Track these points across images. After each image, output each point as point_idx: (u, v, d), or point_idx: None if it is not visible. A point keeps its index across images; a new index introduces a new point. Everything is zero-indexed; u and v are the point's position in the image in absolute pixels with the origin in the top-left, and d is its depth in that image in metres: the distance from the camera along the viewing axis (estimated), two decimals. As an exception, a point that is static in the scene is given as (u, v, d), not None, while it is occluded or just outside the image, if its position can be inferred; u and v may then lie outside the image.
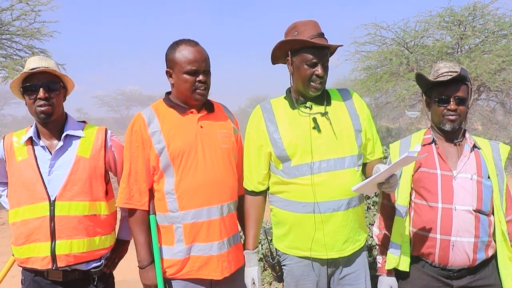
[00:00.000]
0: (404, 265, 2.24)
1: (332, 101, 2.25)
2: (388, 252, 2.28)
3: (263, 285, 4.52)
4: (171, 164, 2.17)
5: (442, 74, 2.22)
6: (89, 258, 2.25)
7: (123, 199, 2.22)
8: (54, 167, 2.21)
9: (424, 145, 2.28)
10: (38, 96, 2.17)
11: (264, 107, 2.30)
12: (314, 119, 2.16)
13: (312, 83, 2.14)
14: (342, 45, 2.21)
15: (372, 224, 3.82)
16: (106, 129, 2.42)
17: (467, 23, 12.27)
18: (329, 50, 2.18)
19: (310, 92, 2.17)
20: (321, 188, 2.11)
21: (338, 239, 2.16)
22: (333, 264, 2.23)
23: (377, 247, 2.44)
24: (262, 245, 4.17)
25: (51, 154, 2.23)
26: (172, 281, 2.23)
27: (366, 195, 3.85)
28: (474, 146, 2.25)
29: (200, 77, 2.18)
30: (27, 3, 10.91)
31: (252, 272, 2.28)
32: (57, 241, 2.16)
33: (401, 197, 2.26)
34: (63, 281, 2.23)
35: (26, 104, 2.24)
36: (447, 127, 2.22)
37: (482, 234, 2.13)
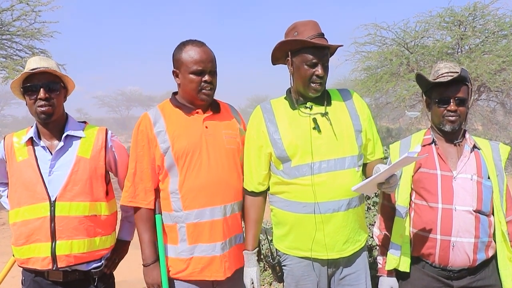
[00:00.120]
0: (404, 265, 2.24)
1: (332, 101, 2.25)
2: (388, 252, 2.28)
3: (263, 285, 4.53)
4: (175, 164, 2.18)
5: (442, 74, 2.22)
6: (90, 259, 2.25)
7: (128, 197, 2.24)
8: (54, 168, 2.21)
9: (424, 145, 2.28)
10: (39, 97, 2.17)
11: (264, 107, 2.30)
12: (314, 120, 2.17)
13: (312, 84, 2.14)
14: (342, 45, 2.21)
15: (373, 225, 3.82)
16: (106, 129, 2.42)
17: (467, 23, 12.28)
18: (329, 50, 2.19)
19: (310, 93, 2.17)
20: (321, 189, 2.11)
21: (338, 239, 2.16)
22: (334, 265, 2.23)
23: (378, 247, 2.44)
24: (262, 245, 4.17)
25: (51, 154, 2.23)
26: (175, 281, 2.23)
27: (366, 196, 3.85)
28: (474, 147, 2.25)
29: (206, 78, 2.20)
30: (27, 4, 10.91)
31: (251, 273, 2.28)
32: (57, 242, 2.16)
33: (401, 198, 2.26)
34: (64, 281, 2.23)
35: (26, 105, 2.25)
36: (447, 128, 2.22)
37: (482, 235, 2.13)
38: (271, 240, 2.40)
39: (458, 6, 12.63)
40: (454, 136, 2.27)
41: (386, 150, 3.16)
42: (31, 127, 2.31)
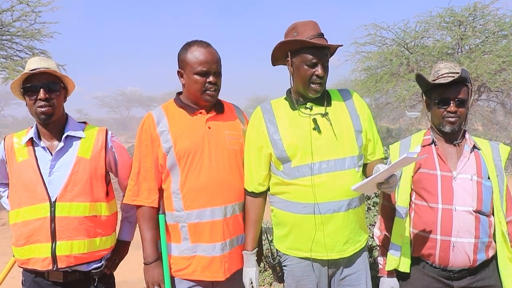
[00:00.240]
0: (405, 266, 2.24)
1: (332, 102, 2.25)
2: (388, 253, 2.28)
3: (264, 285, 4.52)
4: (177, 163, 2.19)
5: (442, 75, 2.22)
6: (90, 259, 2.25)
7: (132, 196, 2.26)
8: (54, 168, 2.21)
9: (424, 146, 2.28)
10: (39, 97, 2.17)
11: (264, 108, 2.30)
12: (315, 120, 2.16)
13: (312, 84, 2.14)
14: (342, 45, 2.21)
15: (373, 225, 3.83)
16: (106, 130, 2.42)
17: (468, 23, 12.27)
18: (329, 50, 2.19)
19: (309, 93, 2.17)
20: (321, 189, 2.11)
21: (338, 240, 2.16)
22: (334, 265, 2.23)
23: (378, 248, 2.44)
24: (263, 246, 4.17)
25: (51, 155, 2.23)
26: (176, 279, 2.24)
27: (367, 196, 3.85)
28: (474, 147, 2.25)
29: (211, 79, 2.21)
30: (27, 4, 10.91)
31: (250, 273, 2.28)
32: (57, 242, 2.16)
33: (401, 198, 2.26)
34: (64, 282, 2.23)
35: (26, 105, 2.25)
36: (447, 129, 2.22)
37: (482, 235, 2.13)
38: (272, 240, 2.40)
39: (458, 6, 12.64)
40: (454, 136, 2.26)
41: (386, 150, 3.16)
42: (31, 127, 2.31)
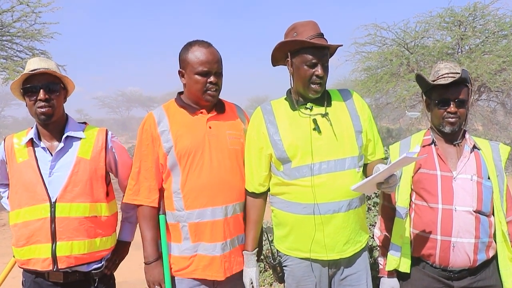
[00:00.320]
0: (405, 266, 2.24)
1: (332, 102, 2.25)
2: (388, 253, 2.28)
3: (264, 286, 4.52)
4: (178, 163, 2.19)
5: (442, 75, 2.22)
6: (90, 260, 2.25)
7: (132, 195, 2.26)
8: (54, 169, 2.21)
9: (423, 146, 2.28)
10: (39, 98, 2.17)
11: (264, 108, 2.30)
12: (315, 120, 2.16)
13: (312, 84, 2.14)
14: (341, 45, 2.21)
15: (373, 225, 3.83)
16: (106, 130, 2.42)
17: (468, 23, 12.27)
18: (328, 50, 2.18)
19: (309, 94, 2.17)
20: (321, 190, 2.11)
21: (338, 240, 2.16)
22: (334, 265, 2.22)
23: (378, 248, 2.44)
24: (263, 246, 4.17)
25: (51, 155, 2.23)
26: (176, 278, 2.24)
27: (367, 196, 3.85)
28: (474, 147, 2.25)
29: (212, 79, 2.21)
30: (27, 5, 10.91)
31: (251, 273, 2.29)
32: (57, 243, 2.15)
33: (401, 199, 2.26)
34: (64, 282, 2.23)
35: (26, 106, 2.25)
36: (447, 129, 2.22)
37: (482, 235, 2.13)
38: (272, 240, 2.40)
39: (458, 6, 12.63)
40: (454, 136, 2.26)
41: (386, 150, 3.17)
42: (31, 128, 2.31)
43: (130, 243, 2.52)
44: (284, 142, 2.16)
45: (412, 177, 2.26)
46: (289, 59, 2.18)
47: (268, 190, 2.32)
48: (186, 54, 2.23)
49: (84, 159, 2.26)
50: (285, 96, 2.32)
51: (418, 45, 13.04)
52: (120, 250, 2.46)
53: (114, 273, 2.47)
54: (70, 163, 2.23)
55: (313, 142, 2.13)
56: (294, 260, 2.25)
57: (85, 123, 2.45)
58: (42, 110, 2.18)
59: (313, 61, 2.11)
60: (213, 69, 2.21)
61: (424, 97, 2.36)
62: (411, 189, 2.27)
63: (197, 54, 2.20)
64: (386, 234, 2.36)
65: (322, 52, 2.13)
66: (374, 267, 2.49)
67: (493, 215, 2.19)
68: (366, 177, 2.05)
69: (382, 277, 2.34)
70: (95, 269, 2.28)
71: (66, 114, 2.37)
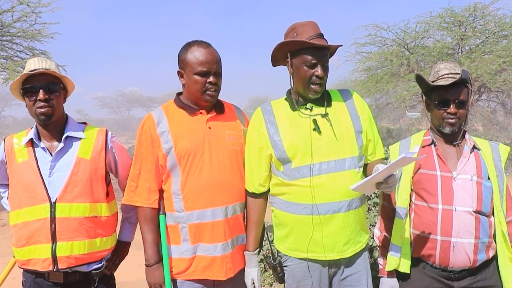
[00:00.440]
0: (405, 266, 2.24)
1: (332, 102, 2.25)
2: (388, 253, 2.28)
3: (264, 286, 4.52)
4: (178, 164, 2.19)
5: (442, 76, 2.21)
6: (90, 260, 2.25)
7: (131, 196, 2.26)
8: (54, 169, 2.21)
9: (423, 146, 2.28)
10: (38, 98, 2.17)
11: (264, 109, 2.30)
12: (315, 121, 2.16)
13: (312, 85, 2.14)
14: (341, 45, 2.21)
15: (373, 226, 3.82)
16: (106, 130, 2.42)
17: (468, 23, 12.28)
18: (328, 50, 2.18)
19: (309, 94, 2.17)
20: (321, 190, 2.11)
21: (338, 240, 2.16)
22: (334, 265, 2.22)
23: (378, 248, 2.44)
24: (263, 246, 4.17)
25: (51, 155, 2.23)
26: (177, 281, 2.24)
27: (367, 196, 3.85)
28: (474, 147, 2.25)
29: (211, 79, 2.20)
30: (27, 5, 10.91)
31: (252, 273, 2.29)
32: (58, 243, 2.15)
33: (401, 199, 2.26)
34: (64, 283, 2.23)
35: (26, 106, 2.25)
36: (447, 130, 2.21)
37: (482, 235, 2.13)
38: (272, 240, 2.40)
39: (458, 7, 12.64)
40: (453, 137, 2.26)
41: (386, 151, 3.17)
42: (31, 128, 2.31)
43: (130, 243, 2.52)
44: (284, 142, 2.16)
45: (412, 177, 2.26)
46: (289, 59, 2.18)
47: (269, 190, 2.32)
48: (185, 54, 2.22)
49: (84, 159, 2.26)
50: (285, 97, 2.32)
51: (418, 45, 13.04)
52: (120, 250, 2.46)
53: (114, 273, 2.47)
54: (70, 163, 2.23)
55: (313, 143, 2.13)
56: (294, 261, 2.25)
57: (85, 123, 2.44)
58: (42, 110, 2.18)
59: (313, 61, 2.11)
60: (213, 69, 2.20)
61: (424, 98, 2.36)
62: (411, 190, 2.27)
63: (196, 54, 2.19)
64: (386, 234, 2.36)
65: (322, 52, 2.13)
66: (374, 267, 2.49)
67: (493, 215, 2.19)
68: (366, 177, 2.05)
69: (381, 277, 2.34)
70: (95, 269, 2.28)
71: (66, 114, 2.37)
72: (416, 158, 2.00)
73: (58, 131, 2.28)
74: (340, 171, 2.13)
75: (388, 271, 2.30)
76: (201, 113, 2.28)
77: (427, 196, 2.20)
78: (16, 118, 53.48)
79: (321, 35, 2.14)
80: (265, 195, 2.33)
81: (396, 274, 2.30)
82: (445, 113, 2.20)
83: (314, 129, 2.15)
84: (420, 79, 2.28)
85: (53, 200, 2.16)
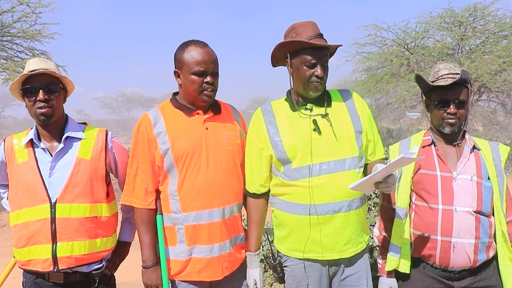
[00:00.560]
0: (404, 267, 2.24)
1: (332, 102, 2.25)
2: (388, 254, 2.28)
3: (264, 286, 4.52)
4: (175, 165, 2.17)
5: (442, 76, 2.21)
6: (90, 260, 2.25)
7: (129, 197, 2.24)
8: (54, 169, 2.21)
9: (423, 146, 2.28)
10: (38, 98, 2.17)
11: (264, 109, 2.30)
12: (315, 121, 2.16)
13: (311, 85, 2.14)
14: (341, 45, 2.20)
15: (373, 226, 3.82)
16: (106, 130, 2.42)
17: (468, 24, 12.27)
18: (328, 50, 2.18)
19: (310, 93, 2.16)
20: (321, 190, 2.11)
21: (338, 240, 2.16)
22: (335, 265, 2.22)
23: (378, 248, 2.44)
24: (263, 246, 4.17)
25: (51, 156, 2.23)
26: (173, 282, 2.23)
27: (367, 196, 3.85)
28: (474, 147, 2.25)
29: (208, 79, 2.18)
30: (28, 5, 10.92)
31: (254, 274, 2.29)
32: (58, 243, 2.15)
33: (400, 199, 2.26)
34: (64, 283, 2.23)
35: (26, 106, 2.24)
36: (447, 130, 2.21)
37: (482, 235, 2.13)
38: (272, 241, 2.40)
39: (458, 7, 12.62)
40: (453, 137, 2.26)
41: (386, 151, 3.17)
42: (31, 128, 2.31)
43: (130, 243, 2.52)
44: (284, 143, 2.16)
45: (412, 177, 2.26)
46: (288, 59, 2.18)
47: (269, 190, 2.32)
48: (182, 54, 2.20)
49: (84, 160, 2.26)
50: (285, 97, 2.32)
51: (418, 46, 13.03)
52: (121, 250, 2.46)
53: (115, 274, 2.47)
54: (70, 163, 2.23)
55: (313, 143, 2.13)
56: (294, 261, 2.25)
57: (85, 123, 2.44)
58: (42, 110, 2.18)
59: (313, 61, 2.11)
60: (210, 69, 2.18)
61: (424, 98, 2.36)
62: (411, 190, 2.27)
63: (193, 54, 2.17)
64: (385, 234, 2.36)
65: (322, 52, 2.13)
66: (374, 267, 2.49)
67: (493, 216, 2.19)
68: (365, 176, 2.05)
69: (380, 276, 2.34)
70: (95, 269, 2.28)
71: (66, 114, 2.37)
72: (415, 158, 2.00)
73: (58, 132, 2.28)
74: (341, 171, 2.13)
75: (387, 271, 2.30)
76: (198, 113, 2.26)
77: (427, 196, 2.19)
78: (16, 119, 53.49)
79: (320, 35, 2.14)
80: (265, 195, 2.33)
81: (395, 274, 2.30)
82: (445, 113, 2.20)
83: (314, 130, 2.15)
84: (420, 79, 2.28)
85: (53, 201, 2.16)
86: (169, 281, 2.21)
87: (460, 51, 12.81)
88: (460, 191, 2.15)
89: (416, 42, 13.09)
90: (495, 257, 2.20)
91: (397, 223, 2.26)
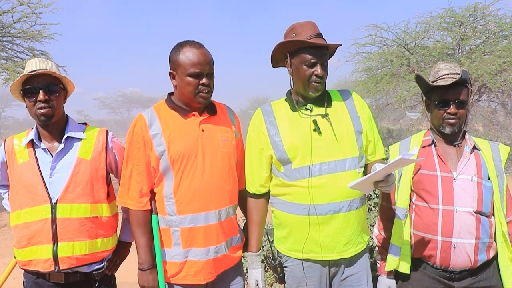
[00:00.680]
0: (404, 267, 2.24)
1: (332, 102, 2.25)
2: (388, 254, 2.28)
3: (264, 286, 4.51)
4: (171, 167, 2.15)
5: (442, 76, 2.21)
6: (91, 260, 2.25)
7: (124, 199, 2.23)
8: (55, 170, 2.21)
9: (423, 146, 2.28)
10: (38, 99, 2.16)
11: (265, 109, 2.30)
12: (315, 121, 2.16)
13: (311, 84, 2.13)
14: (340, 44, 2.20)
15: (373, 226, 3.82)
16: (107, 131, 2.42)
17: (468, 24, 12.27)
18: (328, 50, 2.18)
19: (309, 93, 2.16)
20: (321, 190, 2.11)
21: (339, 240, 2.16)
22: (335, 266, 2.22)
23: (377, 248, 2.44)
24: (263, 247, 4.16)
25: (52, 156, 2.23)
26: (169, 285, 2.22)
27: (367, 197, 3.85)
28: (474, 148, 2.25)
29: (204, 80, 2.15)
30: (28, 6, 10.93)
31: (256, 274, 2.29)
32: (59, 244, 2.15)
33: (401, 199, 2.26)
34: (65, 283, 2.23)
35: (26, 107, 2.24)
36: (447, 130, 2.21)
37: (483, 236, 2.13)
38: (272, 241, 2.40)
39: (458, 7, 12.62)
40: (454, 137, 2.26)
41: (386, 151, 3.17)
42: (32, 129, 2.31)
43: (131, 243, 2.52)
44: (285, 143, 2.16)
45: (412, 178, 2.26)
46: (288, 59, 2.18)
47: (269, 191, 2.32)
48: (177, 55, 2.16)
49: (85, 160, 2.26)
50: (285, 97, 2.31)
51: (419, 46, 13.03)
52: (121, 250, 2.46)
53: (115, 274, 2.47)
54: (71, 164, 2.23)
55: (313, 143, 2.13)
56: (295, 261, 2.25)
57: (85, 123, 2.44)
58: (42, 111, 2.18)
59: (312, 60, 2.10)
60: (205, 70, 2.15)
61: (424, 98, 2.36)
62: (411, 190, 2.27)
63: (188, 55, 2.13)
64: (385, 234, 2.36)
65: (321, 51, 2.13)
66: (375, 267, 2.49)
67: (493, 216, 2.19)
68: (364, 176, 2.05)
69: (379, 275, 2.34)
70: (96, 269, 2.28)
71: (66, 115, 2.37)
72: (414, 159, 1.99)
73: (58, 132, 2.28)
74: (341, 172, 2.13)
75: (387, 271, 2.30)
76: (193, 115, 2.23)
77: (428, 196, 2.19)
78: (17, 119, 53.47)
79: (320, 35, 2.14)
80: (266, 195, 2.33)
81: (395, 274, 2.30)
82: (445, 113, 2.19)
83: (315, 130, 2.14)
84: (420, 79, 2.28)
85: (54, 201, 2.16)
86: (166, 283, 2.20)
87: (460, 51, 12.81)
88: (460, 191, 2.15)
89: (416, 42, 13.09)
90: (496, 257, 2.20)
91: (397, 224, 2.26)
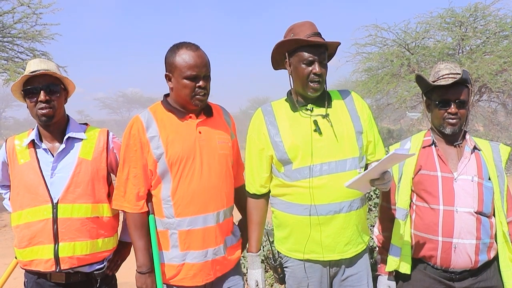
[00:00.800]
0: (405, 267, 2.23)
1: (333, 103, 2.25)
2: (388, 254, 2.28)
3: (265, 286, 4.51)
4: (169, 170, 2.13)
5: (442, 76, 2.21)
6: (92, 261, 2.25)
7: (120, 201, 2.21)
8: (56, 170, 2.21)
9: (424, 147, 2.29)
10: (39, 99, 2.17)
11: (265, 110, 2.29)
12: (315, 122, 2.16)
13: (310, 83, 2.13)
14: (339, 43, 2.19)
15: (374, 226, 3.82)
16: (108, 131, 2.42)
17: (468, 24, 12.28)
18: (326, 49, 2.17)
19: (308, 92, 2.16)
20: (322, 191, 2.11)
21: (339, 241, 2.16)
22: (335, 266, 2.22)
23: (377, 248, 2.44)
24: (263, 247, 4.17)
25: (53, 156, 2.23)
26: (167, 286, 2.21)
27: (368, 197, 3.85)
28: (475, 148, 2.25)
29: (200, 83, 2.13)
30: (28, 6, 10.94)
31: (256, 274, 2.29)
32: (60, 244, 2.16)
33: (401, 200, 2.26)
34: (66, 283, 2.23)
35: (27, 107, 2.25)
36: (448, 130, 2.21)
37: (483, 236, 2.13)
38: (273, 241, 2.40)
39: (459, 7, 12.64)
40: (454, 137, 2.26)
41: (387, 151, 3.17)
42: (33, 129, 2.31)
43: (131, 243, 2.52)
44: (285, 143, 2.16)
45: (413, 178, 2.26)
46: (287, 59, 2.18)
47: (269, 191, 2.32)
48: (174, 58, 2.13)
49: (86, 160, 2.26)
50: (286, 97, 2.31)
51: (419, 46, 13.04)
52: (122, 250, 2.46)
53: (116, 274, 2.47)
54: (72, 164, 2.23)
55: (314, 143, 2.13)
56: (295, 262, 2.25)
57: (86, 124, 2.45)
58: (43, 111, 2.18)
59: (310, 59, 2.10)
60: (202, 72, 2.13)
61: (424, 98, 2.36)
62: (412, 190, 2.27)
63: (185, 58, 2.11)
64: (385, 234, 2.36)
65: (319, 50, 2.12)
66: (375, 267, 2.49)
67: (494, 216, 2.19)
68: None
69: (379, 275, 2.34)
70: (97, 269, 2.28)
71: (67, 115, 2.37)
72: (407, 154, 1.94)
73: (59, 132, 2.29)
74: (341, 172, 2.13)
75: (387, 271, 2.30)
76: (190, 117, 2.21)
77: (428, 197, 2.19)
78: (17, 119, 53.55)
79: (318, 34, 2.13)
80: (266, 196, 2.33)
81: (395, 274, 2.30)
82: (445, 113, 2.20)
83: (315, 130, 2.14)
84: (420, 79, 2.28)
85: (55, 201, 2.17)
86: (164, 285, 2.18)
87: (460, 51, 12.82)
88: (461, 191, 2.15)
89: (417, 42, 13.10)
90: (496, 257, 2.20)
91: (398, 224, 2.26)
